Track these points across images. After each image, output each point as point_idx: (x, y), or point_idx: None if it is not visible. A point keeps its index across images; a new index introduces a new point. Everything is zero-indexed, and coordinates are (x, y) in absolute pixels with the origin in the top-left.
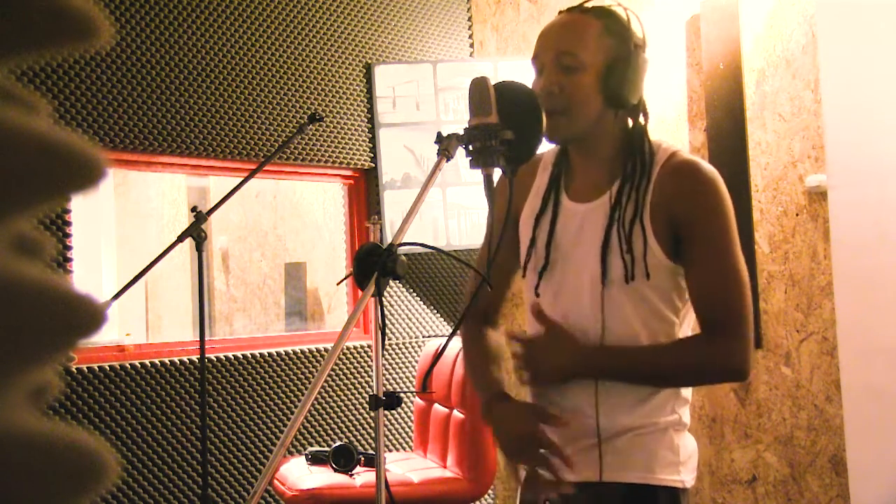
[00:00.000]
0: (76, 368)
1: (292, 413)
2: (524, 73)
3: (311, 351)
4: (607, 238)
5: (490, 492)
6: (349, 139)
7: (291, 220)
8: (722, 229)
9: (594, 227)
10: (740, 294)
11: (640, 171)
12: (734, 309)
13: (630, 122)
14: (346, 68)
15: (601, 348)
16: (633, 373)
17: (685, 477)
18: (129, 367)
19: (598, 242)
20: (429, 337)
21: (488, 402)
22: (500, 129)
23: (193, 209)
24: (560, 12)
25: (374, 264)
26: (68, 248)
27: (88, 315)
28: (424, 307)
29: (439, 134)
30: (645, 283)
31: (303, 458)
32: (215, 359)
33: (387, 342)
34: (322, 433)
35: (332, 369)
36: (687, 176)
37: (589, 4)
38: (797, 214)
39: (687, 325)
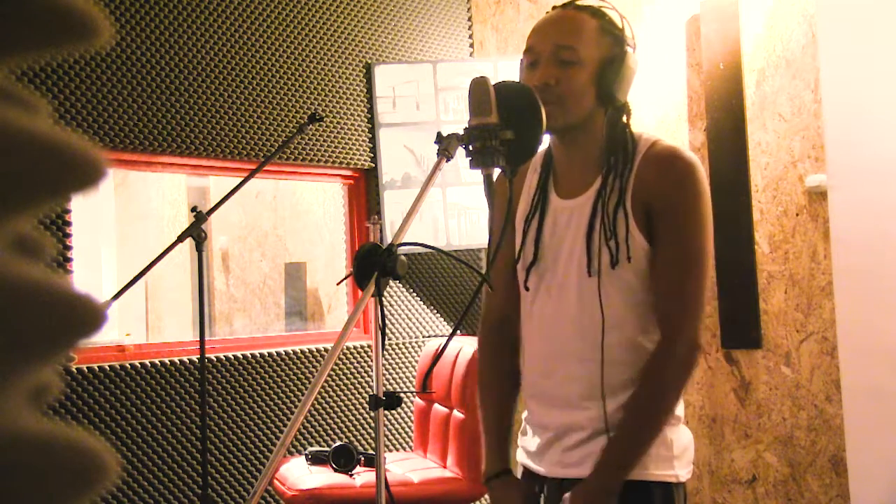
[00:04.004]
0: (76, 368)
1: (292, 413)
2: None
3: (311, 351)
4: (591, 227)
5: None
6: (349, 139)
7: (291, 220)
8: (690, 219)
9: (581, 220)
10: (693, 297)
11: (622, 161)
12: (685, 314)
13: (615, 121)
14: (346, 68)
15: (603, 464)
16: (641, 443)
17: (679, 471)
18: (129, 367)
19: (584, 232)
20: (429, 337)
21: (491, 475)
22: (500, 129)
23: (193, 209)
24: (553, 8)
25: (374, 264)
26: (68, 248)
27: (88, 315)
28: (424, 307)
29: (439, 134)
30: (628, 268)
31: (303, 458)
32: (215, 359)
33: (387, 342)
34: (322, 433)
35: (332, 369)
36: (665, 162)
37: (582, 3)
38: (797, 214)
39: None
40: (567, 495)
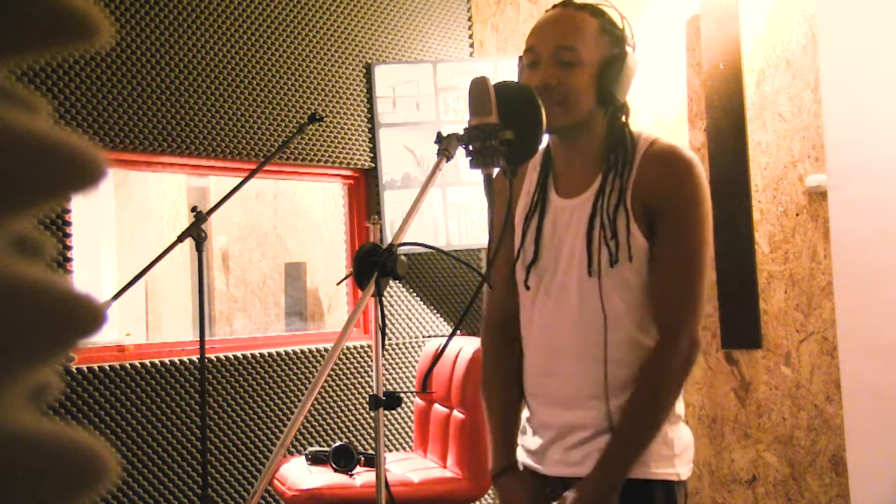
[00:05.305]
0: (76, 368)
1: (292, 413)
2: None
3: (311, 351)
4: (591, 226)
5: (490, 492)
6: (349, 139)
7: (291, 220)
8: (690, 218)
9: (581, 219)
10: (692, 294)
11: (622, 160)
12: (684, 311)
13: (614, 120)
14: (346, 68)
15: (606, 460)
16: (643, 439)
17: (680, 469)
18: (129, 367)
19: (584, 232)
20: (429, 337)
21: (497, 471)
22: (500, 129)
23: (193, 209)
24: (554, 6)
25: (374, 264)
26: (68, 248)
27: (88, 315)
28: (424, 307)
29: (439, 134)
30: (628, 267)
31: (303, 458)
32: (215, 359)
33: (387, 342)
34: (322, 433)
35: (332, 369)
36: (664, 161)
37: (581, 1)
38: (797, 214)
39: None
40: (568, 492)
